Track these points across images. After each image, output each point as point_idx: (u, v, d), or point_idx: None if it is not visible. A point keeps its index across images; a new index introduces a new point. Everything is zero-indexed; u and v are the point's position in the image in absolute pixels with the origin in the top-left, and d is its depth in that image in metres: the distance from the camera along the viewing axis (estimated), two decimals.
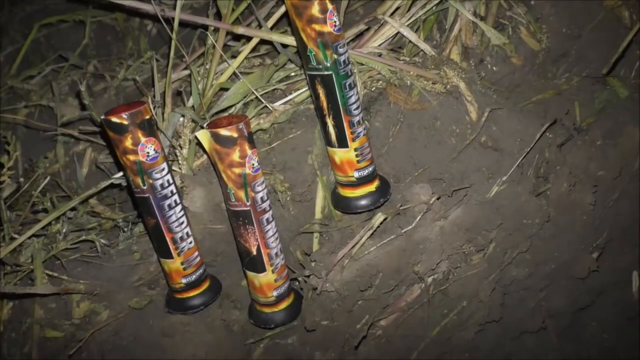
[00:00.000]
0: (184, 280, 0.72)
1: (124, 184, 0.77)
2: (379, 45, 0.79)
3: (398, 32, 0.79)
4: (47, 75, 1.00)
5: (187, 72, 0.81)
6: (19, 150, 0.87)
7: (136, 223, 0.79)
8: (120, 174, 0.76)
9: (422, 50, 0.79)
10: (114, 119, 0.63)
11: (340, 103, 0.65)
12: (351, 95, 0.66)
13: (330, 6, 0.61)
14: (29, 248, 0.74)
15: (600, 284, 0.81)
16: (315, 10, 0.61)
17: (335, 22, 0.62)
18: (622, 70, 0.86)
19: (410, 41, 0.79)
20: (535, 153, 0.76)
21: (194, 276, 0.72)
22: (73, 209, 0.78)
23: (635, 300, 0.82)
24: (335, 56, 0.63)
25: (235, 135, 0.64)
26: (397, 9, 0.80)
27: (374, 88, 0.77)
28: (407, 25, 0.79)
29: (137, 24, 1.04)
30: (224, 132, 0.63)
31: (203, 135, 0.65)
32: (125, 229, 0.78)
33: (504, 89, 0.81)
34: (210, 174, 0.74)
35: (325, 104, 0.66)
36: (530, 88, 0.82)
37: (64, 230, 0.76)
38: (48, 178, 0.81)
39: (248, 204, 0.67)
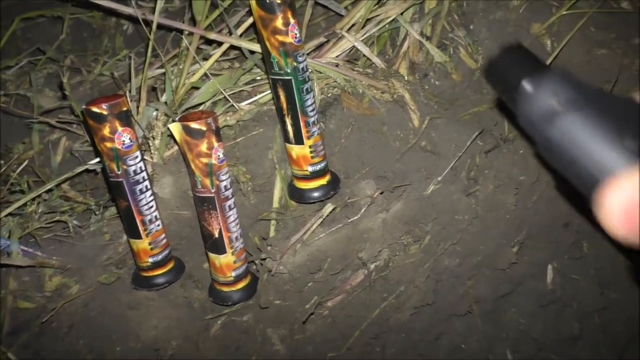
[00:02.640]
0: (150, 260, 0.79)
1: (98, 170, 0.84)
2: (337, 57, 0.89)
3: (354, 46, 0.89)
4: (23, 66, 1.05)
5: (161, 70, 0.89)
6: None
7: (107, 207, 0.86)
8: (95, 160, 0.83)
9: (374, 63, 0.90)
10: (95, 109, 0.71)
11: (298, 105, 0.74)
12: (308, 99, 0.75)
13: (292, 20, 0.71)
14: (6, 226, 0.80)
15: (519, 275, 0.92)
16: (279, 23, 0.70)
17: (296, 34, 0.71)
18: None
19: (364, 54, 0.89)
20: (467, 158, 0.87)
21: (160, 256, 0.80)
22: (48, 191, 0.84)
23: (549, 290, 0.94)
24: (295, 64, 0.73)
25: (204, 128, 0.72)
26: (354, 25, 0.90)
27: (330, 94, 0.87)
28: (362, 40, 0.89)
29: (113, 23, 1.10)
30: (194, 125, 0.72)
31: (175, 128, 0.72)
32: (97, 212, 0.85)
33: (444, 101, 0.92)
34: (179, 164, 0.82)
35: (285, 105, 0.75)
36: (467, 101, 0.93)
37: (39, 211, 0.82)
38: (26, 162, 0.87)
39: (213, 190, 0.75)
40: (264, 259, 0.82)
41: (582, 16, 0.93)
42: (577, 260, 0.97)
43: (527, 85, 0.33)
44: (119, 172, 0.74)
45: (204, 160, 0.73)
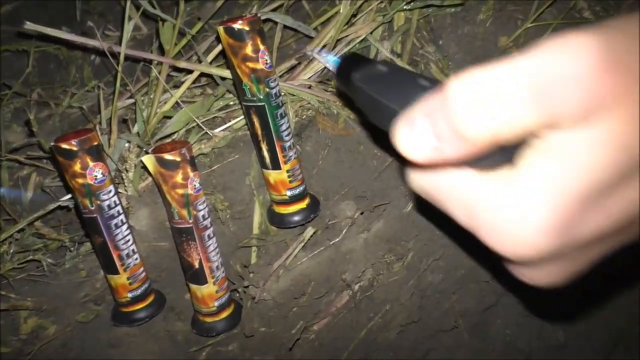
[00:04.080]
0: (129, 295, 0.77)
1: (71, 206, 0.82)
2: (309, 78, 0.89)
3: (325, 67, 0.89)
4: None
5: (131, 100, 0.87)
6: None
7: (82, 243, 0.84)
8: (68, 196, 0.81)
9: None
10: (64, 145, 0.69)
11: (273, 130, 0.74)
12: (282, 124, 0.74)
13: (261, 47, 0.70)
14: None
15: (503, 286, 0.93)
16: (248, 50, 0.70)
17: (266, 60, 0.71)
18: None
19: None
20: None
21: (139, 290, 0.78)
22: (20, 230, 0.81)
23: (533, 298, 0.94)
24: (267, 89, 0.72)
25: (178, 159, 0.71)
26: (325, 46, 0.90)
27: (304, 116, 0.86)
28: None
29: (80, 54, 1.09)
30: (167, 156, 0.70)
31: (148, 160, 0.71)
32: (72, 249, 0.83)
33: None
34: (154, 195, 0.80)
35: (259, 131, 0.75)
36: None
37: (10, 251, 0.80)
38: None
39: (190, 221, 0.74)
40: (247, 287, 0.81)
41: (547, 28, 0.95)
42: None
43: (355, 75, 0.47)
44: (93, 208, 0.72)
45: (180, 191, 0.72)
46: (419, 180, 0.43)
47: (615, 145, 0.33)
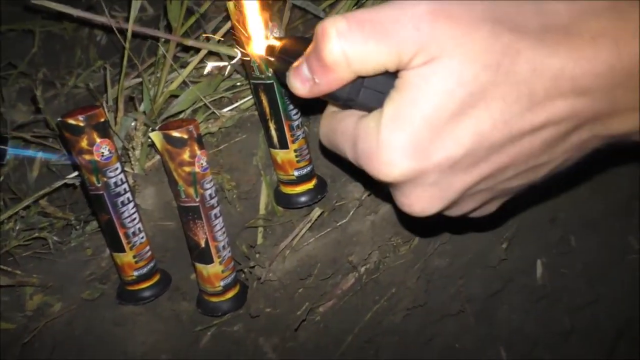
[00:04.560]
0: (135, 273, 0.77)
1: (77, 184, 0.81)
2: None
3: None
4: None
5: (138, 80, 0.87)
6: None
7: (88, 221, 0.83)
8: (74, 174, 0.81)
9: None
10: (71, 121, 0.68)
11: (281, 109, 0.73)
12: (290, 102, 0.74)
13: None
14: None
15: (509, 271, 0.92)
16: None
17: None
18: None
19: None
20: None
21: (145, 269, 0.77)
22: (25, 207, 0.81)
23: (539, 285, 0.94)
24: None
25: (185, 136, 0.70)
26: None
27: None
28: None
29: (86, 34, 1.08)
30: (175, 133, 0.70)
31: (156, 137, 0.71)
32: (78, 227, 0.82)
33: None
34: (161, 174, 0.80)
35: (267, 110, 0.74)
36: None
37: (16, 228, 0.80)
38: (1, 178, 0.84)
39: (197, 200, 0.73)
40: (253, 267, 0.80)
41: None
42: (566, 255, 0.97)
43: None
44: (99, 185, 0.71)
45: (187, 169, 0.71)
46: (323, 131, 0.57)
47: (455, 81, 0.41)
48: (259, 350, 0.83)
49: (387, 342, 0.89)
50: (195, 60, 0.84)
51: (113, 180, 0.72)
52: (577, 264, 1.00)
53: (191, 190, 0.73)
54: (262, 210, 0.82)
